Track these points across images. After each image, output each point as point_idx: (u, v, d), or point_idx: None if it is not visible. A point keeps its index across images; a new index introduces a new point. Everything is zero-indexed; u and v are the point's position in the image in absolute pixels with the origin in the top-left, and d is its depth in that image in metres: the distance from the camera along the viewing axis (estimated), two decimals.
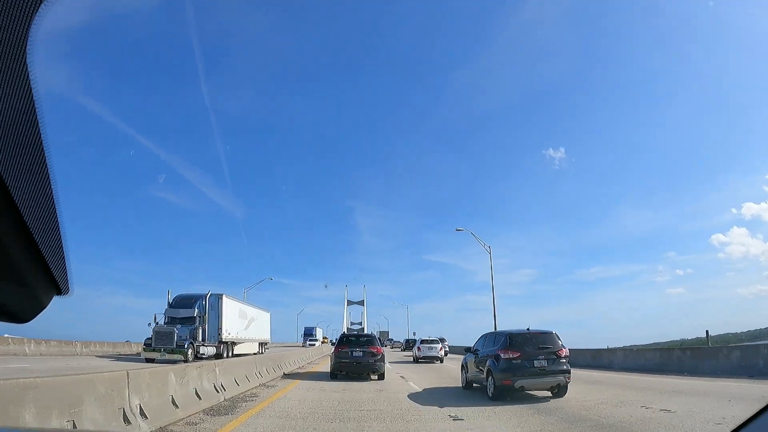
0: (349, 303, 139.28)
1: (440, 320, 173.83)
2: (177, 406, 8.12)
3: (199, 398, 9.33)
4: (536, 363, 11.40)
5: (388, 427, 8.19)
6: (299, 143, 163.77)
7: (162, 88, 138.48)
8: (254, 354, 33.06)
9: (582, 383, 14.75)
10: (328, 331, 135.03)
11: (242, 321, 33.60)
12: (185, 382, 8.97)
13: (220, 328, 28.58)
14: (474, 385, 13.76)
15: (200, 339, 27.12)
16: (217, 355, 27.42)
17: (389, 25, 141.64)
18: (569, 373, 11.67)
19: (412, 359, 34.74)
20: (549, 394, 11.85)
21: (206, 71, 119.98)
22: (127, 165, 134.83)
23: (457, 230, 39.77)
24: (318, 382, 16.09)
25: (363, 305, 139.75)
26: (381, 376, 17.43)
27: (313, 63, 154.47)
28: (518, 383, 11.32)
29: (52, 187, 0.72)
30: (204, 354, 26.73)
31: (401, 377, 18.94)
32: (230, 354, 30.01)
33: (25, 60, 0.59)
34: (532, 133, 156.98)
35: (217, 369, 11.05)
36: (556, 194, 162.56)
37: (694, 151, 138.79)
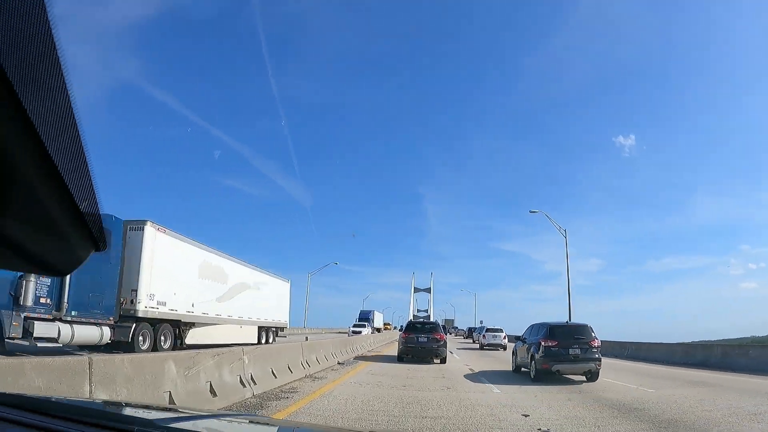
0: (416, 290, 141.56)
1: (507, 309, 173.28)
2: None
3: (214, 394, 7.53)
4: (571, 351, 13.49)
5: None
6: (368, 129, 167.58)
7: (229, 77, 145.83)
8: (243, 345, 14.43)
9: (618, 371, 16.66)
10: (394, 318, 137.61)
11: (213, 284, 20.85)
12: (192, 374, 7.22)
13: (134, 289, 15.75)
14: (522, 369, 15.90)
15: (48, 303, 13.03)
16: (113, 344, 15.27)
17: (461, 9, 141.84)
18: (600, 361, 13.66)
19: (475, 346, 37.51)
20: (584, 378, 13.89)
21: (273, 58, 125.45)
22: (197, 153, 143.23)
23: (531, 212, 39.19)
24: (386, 364, 18.78)
25: (429, 293, 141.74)
26: (443, 360, 19.84)
27: (382, 47, 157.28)
28: (555, 367, 13.48)
29: (84, 150, 0.78)
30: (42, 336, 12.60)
31: (461, 361, 21.37)
32: (173, 342, 18.03)
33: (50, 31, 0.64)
34: (603, 119, 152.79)
35: (245, 357, 9.17)
36: (626, 182, 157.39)
37: None
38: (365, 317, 72.66)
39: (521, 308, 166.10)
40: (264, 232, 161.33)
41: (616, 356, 25.84)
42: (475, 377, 14.58)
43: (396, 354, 20.62)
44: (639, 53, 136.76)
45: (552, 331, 14.04)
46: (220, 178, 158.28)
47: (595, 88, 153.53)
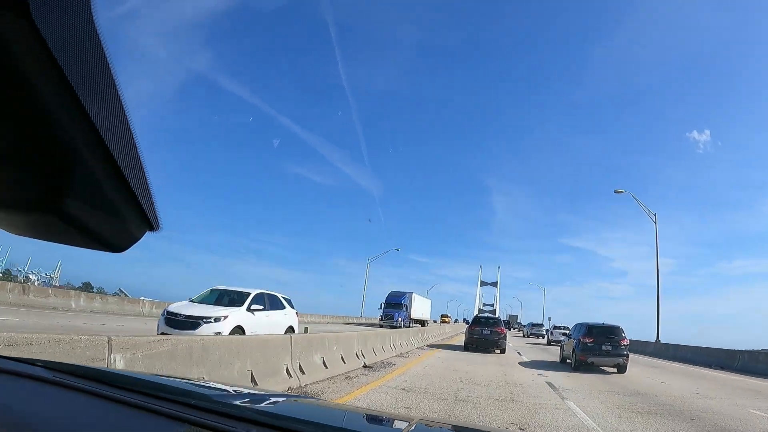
0: (483, 284, 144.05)
1: (573, 305, 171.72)
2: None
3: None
4: (603, 347, 16.85)
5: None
6: (435, 120, 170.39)
7: (300, 68, 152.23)
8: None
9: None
10: (459, 312, 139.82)
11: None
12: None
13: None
14: (567, 360, 19.31)
15: None
16: None
17: (530, 2, 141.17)
18: (627, 356, 16.92)
19: (542, 342, 41.13)
20: (615, 371, 17.15)
21: (342, 49, 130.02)
22: (266, 143, 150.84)
23: (616, 192, 37.83)
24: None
25: (496, 287, 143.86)
26: (502, 351, 23.51)
27: (450, 39, 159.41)
28: (590, 359, 16.89)
29: (135, 140, 0.89)
30: None
31: (518, 353, 24.97)
32: None
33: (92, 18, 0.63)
34: (676, 114, 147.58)
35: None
36: (700, 180, 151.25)
37: None
38: (396, 301, 49.05)
39: (589, 305, 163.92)
40: (332, 221, 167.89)
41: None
42: (526, 365, 18.23)
43: (462, 344, 24.58)
44: (715, 46, 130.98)
45: (590, 330, 17.43)
46: (290, 166, 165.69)
47: (669, 81, 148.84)
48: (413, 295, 51.88)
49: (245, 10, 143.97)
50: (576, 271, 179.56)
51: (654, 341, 34.94)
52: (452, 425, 2.50)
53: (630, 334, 18.27)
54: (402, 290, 51.18)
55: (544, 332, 52.26)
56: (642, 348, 34.22)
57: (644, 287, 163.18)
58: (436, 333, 33.49)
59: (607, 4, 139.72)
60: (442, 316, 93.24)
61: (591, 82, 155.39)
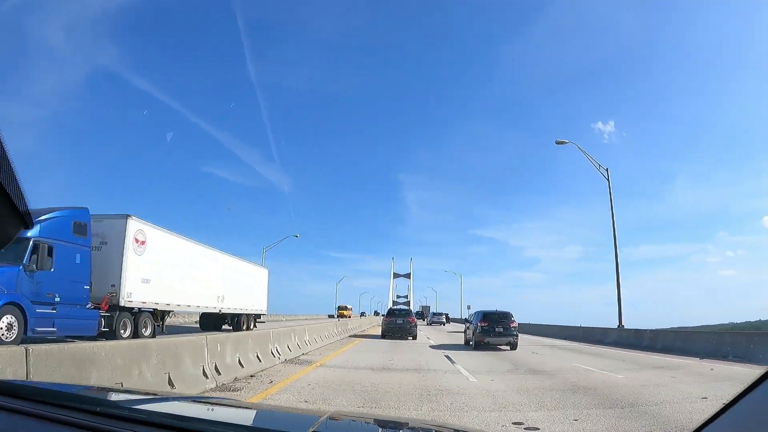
0: (396, 275, 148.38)
1: (492, 295, 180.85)
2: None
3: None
4: (497, 329, 20.40)
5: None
6: (349, 116, 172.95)
7: (209, 64, 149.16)
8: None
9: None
10: (372, 304, 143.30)
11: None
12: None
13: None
14: (469, 342, 22.75)
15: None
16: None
17: None
18: (517, 336, 20.63)
19: (447, 329, 45.44)
20: (508, 348, 20.74)
21: (252, 45, 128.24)
22: (175, 140, 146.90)
23: (557, 143, 30.84)
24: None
25: (409, 278, 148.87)
26: (414, 337, 26.78)
27: (364, 35, 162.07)
28: (486, 340, 20.39)
29: (2, 142, 0.89)
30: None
31: (427, 338, 28.43)
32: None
33: None
34: (584, 106, 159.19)
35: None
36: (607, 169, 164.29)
37: (762, 129, 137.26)
38: None
39: (503, 294, 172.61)
40: (241, 218, 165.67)
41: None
42: (435, 347, 21.45)
43: (380, 333, 27.63)
44: (623, 41, 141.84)
45: (485, 316, 20.94)
46: (198, 164, 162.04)
47: (578, 75, 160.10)
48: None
49: (153, 2, 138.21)
50: (490, 262, 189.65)
51: (617, 327, 28.14)
52: (363, 419, 2.67)
53: (581, 320, 21.84)
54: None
55: (444, 320, 65.14)
56: (601, 337, 27.70)
57: (557, 274, 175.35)
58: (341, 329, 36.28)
59: (524, 2, 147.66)
60: (339, 308, 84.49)
61: (505, 77, 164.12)
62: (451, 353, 18.14)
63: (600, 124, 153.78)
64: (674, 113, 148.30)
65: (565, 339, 30.85)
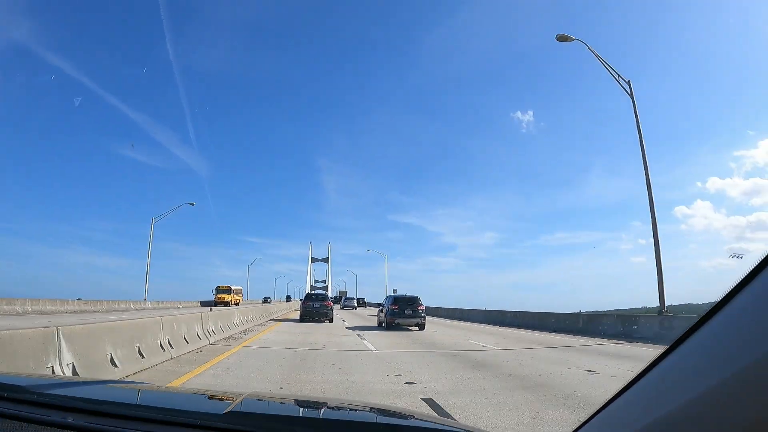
0: (314, 260, 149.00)
1: (406, 279, 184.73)
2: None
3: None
4: (406, 311, 22.57)
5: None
6: (267, 100, 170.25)
7: (126, 44, 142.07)
8: None
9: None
10: (290, 289, 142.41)
11: None
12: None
13: None
14: (382, 324, 24.80)
15: None
16: None
17: None
18: (424, 318, 22.91)
19: (360, 313, 47.43)
20: (417, 328, 22.94)
21: (172, 26, 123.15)
22: (91, 122, 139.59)
23: (560, 39, 23.25)
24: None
25: (327, 263, 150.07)
26: (330, 320, 28.42)
27: (283, 19, 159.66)
28: (396, 321, 22.51)
29: None
30: None
31: (342, 320, 30.32)
32: None
33: None
34: (503, 96, 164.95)
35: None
36: (524, 158, 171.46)
37: (673, 124, 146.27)
38: None
39: (421, 279, 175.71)
40: (160, 203, 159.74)
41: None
42: (350, 329, 23.29)
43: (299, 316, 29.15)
44: (542, 32, 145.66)
45: (395, 299, 23.09)
46: (116, 146, 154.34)
47: (497, 66, 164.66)
48: None
49: None
50: (408, 247, 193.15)
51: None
52: (280, 399, 2.66)
53: (493, 304, 24.19)
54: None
55: (355, 304, 67.67)
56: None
57: (472, 260, 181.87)
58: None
59: None
60: (218, 290, 61.89)
61: (426, 66, 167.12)
62: (363, 332, 20.06)
63: (519, 114, 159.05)
64: (591, 106, 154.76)
65: (478, 322, 33.71)
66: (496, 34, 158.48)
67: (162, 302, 51.34)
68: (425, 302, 23.75)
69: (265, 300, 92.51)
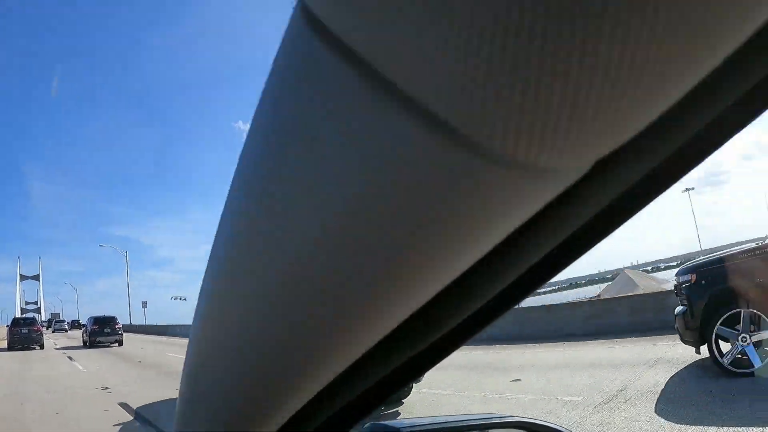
0: (23, 278, 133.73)
1: (125, 296, 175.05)
2: None
3: None
4: (105, 330, 29.79)
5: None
6: None
7: None
8: None
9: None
10: None
11: None
12: None
13: None
14: (86, 343, 31.06)
15: None
16: None
17: None
18: (122, 335, 30.02)
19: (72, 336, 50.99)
20: (116, 345, 30.16)
21: None
22: None
23: None
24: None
25: (38, 281, 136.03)
26: (41, 346, 31.54)
27: None
28: (98, 339, 29.54)
29: None
30: None
31: (54, 343, 35.48)
32: None
33: None
34: (226, 106, 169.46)
35: None
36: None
37: None
38: None
39: (139, 295, 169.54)
40: None
41: None
42: (61, 350, 29.30)
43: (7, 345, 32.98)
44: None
45: (96, 320, 30.06)
46: None
47: (223, 74, 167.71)
48: None
49: None
50: (125, 261, 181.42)
51: None
52: None
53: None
54: None
55: (66, 327, 65.79)
56: None
57: (191, 273, 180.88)
58: None
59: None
60: None
61: (148, 74, 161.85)
62: (72, 353, 26.69)
63: (240, 123, 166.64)
64: None
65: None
66: (216, 47, 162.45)
67: None
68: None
69: None
